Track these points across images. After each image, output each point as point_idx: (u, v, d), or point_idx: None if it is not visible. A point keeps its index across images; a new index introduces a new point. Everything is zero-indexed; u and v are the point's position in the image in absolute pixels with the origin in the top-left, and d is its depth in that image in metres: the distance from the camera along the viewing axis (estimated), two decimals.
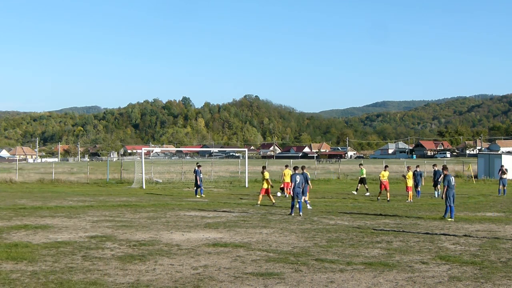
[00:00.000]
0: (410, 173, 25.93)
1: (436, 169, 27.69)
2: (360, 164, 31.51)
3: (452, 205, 17.22)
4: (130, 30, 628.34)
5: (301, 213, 18.16)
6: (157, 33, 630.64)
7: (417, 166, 29.19)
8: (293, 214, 18.20)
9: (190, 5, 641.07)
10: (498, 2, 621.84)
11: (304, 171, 19.67)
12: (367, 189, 29.89)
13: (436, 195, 26.82)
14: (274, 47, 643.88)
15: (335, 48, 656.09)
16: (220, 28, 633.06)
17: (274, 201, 22.67)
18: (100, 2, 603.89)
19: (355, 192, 29.50)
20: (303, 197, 19.08)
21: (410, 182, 25.45)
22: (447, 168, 18.49)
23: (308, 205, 20.72)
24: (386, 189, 25.38)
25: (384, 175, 25.53)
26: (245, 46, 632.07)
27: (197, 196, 27.06)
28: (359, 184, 30.40)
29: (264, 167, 23.03)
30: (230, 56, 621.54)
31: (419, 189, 27.27)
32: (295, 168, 19.51)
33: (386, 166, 26.81)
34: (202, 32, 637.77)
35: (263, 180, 22.69)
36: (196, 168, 27.68)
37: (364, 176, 30.49)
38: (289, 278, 8.70)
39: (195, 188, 27.87)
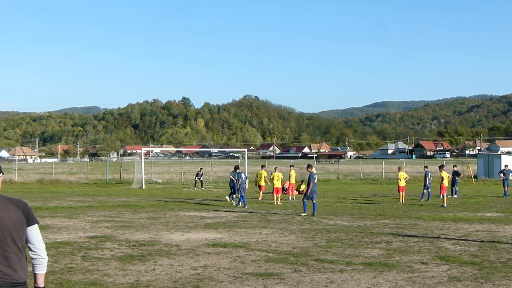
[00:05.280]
0: (402, 173, 24.69)
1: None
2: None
3: (315, 201, 18.39)
4: (130, 30, 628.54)
5: (246, 206, 21.09)
6: (157, 33, 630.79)
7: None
8: (239, 205, 21.29)
9: (190, 5, 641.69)
10: (498, 2, 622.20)
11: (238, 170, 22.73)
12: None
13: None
14: (273, 47, 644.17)
15: (335, 48, 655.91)
16: (219, 28, 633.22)
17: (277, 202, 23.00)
18: (100, 2, 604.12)
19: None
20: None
21: (402, 183, 24.31)
22: (312, 166, 19.15)
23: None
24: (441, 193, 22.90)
25: (444, 177, 23.17)
26: (244, 46, 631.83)
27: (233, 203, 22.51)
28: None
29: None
30: (230, 56, 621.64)
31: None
32: (236, 168, 23.31)
33: (441, 166, 24.46)
34: (202, 32, 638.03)
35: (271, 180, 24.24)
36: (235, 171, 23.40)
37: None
38: (288, 278, 8.70)
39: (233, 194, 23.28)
